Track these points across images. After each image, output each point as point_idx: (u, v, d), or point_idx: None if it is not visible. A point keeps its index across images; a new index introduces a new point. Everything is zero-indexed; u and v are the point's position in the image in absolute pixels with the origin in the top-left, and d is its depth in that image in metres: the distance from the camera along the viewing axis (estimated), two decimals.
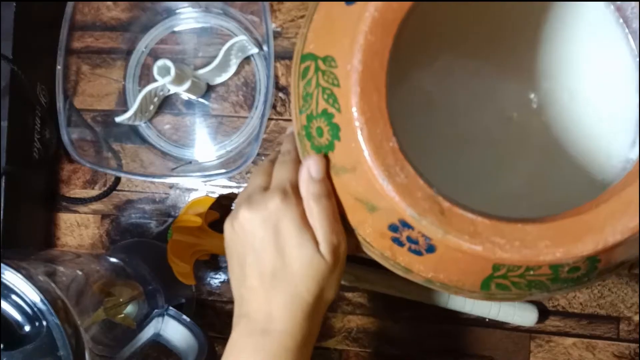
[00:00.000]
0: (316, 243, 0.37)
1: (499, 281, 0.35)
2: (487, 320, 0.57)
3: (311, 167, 0.36)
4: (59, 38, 0.57)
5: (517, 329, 0.58)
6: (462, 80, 0.46)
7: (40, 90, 0.59)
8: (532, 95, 0.46)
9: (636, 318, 0.56)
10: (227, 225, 0.40)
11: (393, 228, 0.34)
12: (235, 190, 0.61)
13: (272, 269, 0.37)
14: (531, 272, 0.34)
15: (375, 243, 0.37)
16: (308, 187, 0.37)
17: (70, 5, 0.57)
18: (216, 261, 0.62)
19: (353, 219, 0.38)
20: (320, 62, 0.36)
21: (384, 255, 0.37)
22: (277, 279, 0.37)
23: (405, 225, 0.33)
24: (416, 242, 0.34)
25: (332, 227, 0.37)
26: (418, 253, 0.35)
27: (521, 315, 0.55)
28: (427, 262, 0.35)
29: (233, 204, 0.61)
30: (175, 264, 0.57)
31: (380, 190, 0.32)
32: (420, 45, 0.45)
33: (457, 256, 0.33)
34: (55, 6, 0.59)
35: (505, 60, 0.46)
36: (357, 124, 0.32)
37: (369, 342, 0.60)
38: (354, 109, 0.32)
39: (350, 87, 0.32)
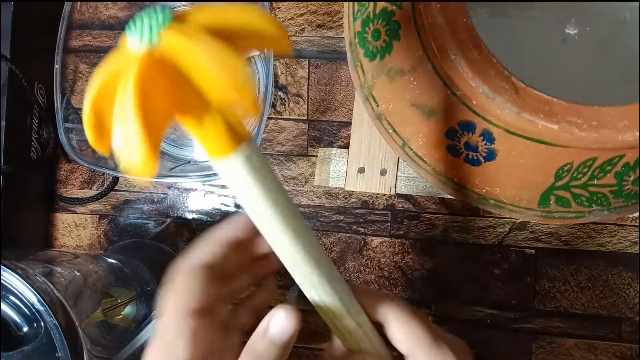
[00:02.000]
0: None
1: (560, 193, 0.33)
2: (488, 321, 0.57)
3: (278, 322, 0.27)
4: (57, 37, 0.57)
5: (519, 330, 0.57)
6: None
7: (38, 90, 0.59)
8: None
9: (637, 319, 0.56)
10: None
11: (451, 134, 0.33)
12: None
13: None
14: (595, 182, 0.32)
15: (428, 156, 0.35)
16: (258, 344, 0.28)
17: (68, 4, 0.57)
18: None
19: (404, 131, 0.36)
20: None
21: (436, 170, 0.35)
22: None
23: (466, 127, 0.32)
24: (475, 149, 0.32)
25: None
26: (475, 163, 0.33)
27: None
28: (484, 174, 0.34)
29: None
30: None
31: (450, 70, 0.30)
32: None
33: (518, 162, 0.32)
34: (53, 6, 0.58)
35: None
36: None
37: None
38: None
39: None
